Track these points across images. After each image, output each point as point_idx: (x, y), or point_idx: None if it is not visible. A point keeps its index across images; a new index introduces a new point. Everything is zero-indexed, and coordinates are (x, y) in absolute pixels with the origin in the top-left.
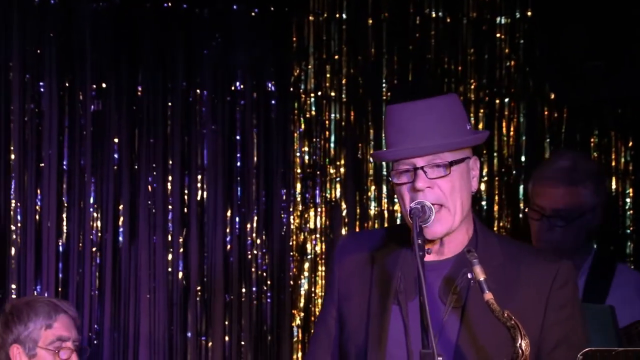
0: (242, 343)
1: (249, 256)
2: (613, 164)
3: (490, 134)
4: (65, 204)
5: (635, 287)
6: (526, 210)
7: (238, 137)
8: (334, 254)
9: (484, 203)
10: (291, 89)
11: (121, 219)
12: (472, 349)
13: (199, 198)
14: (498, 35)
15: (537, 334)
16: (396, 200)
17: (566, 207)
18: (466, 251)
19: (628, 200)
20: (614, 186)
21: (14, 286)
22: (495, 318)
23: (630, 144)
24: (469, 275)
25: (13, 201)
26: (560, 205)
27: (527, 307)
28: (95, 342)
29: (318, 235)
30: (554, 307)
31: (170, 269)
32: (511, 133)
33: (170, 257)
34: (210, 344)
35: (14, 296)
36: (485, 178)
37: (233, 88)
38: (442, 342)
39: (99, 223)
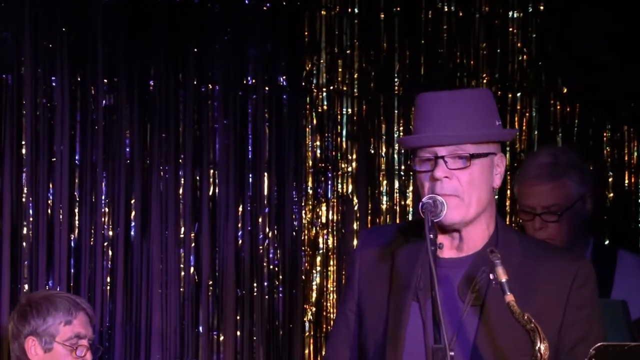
0: (254, 338)
1: (261, 251)
2: (626, 158)
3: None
4: (77, 199)
5: None
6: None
7: (250, 132)
8: (354, 249)
9: (496, 197)
10: (303, 84)
11: (133, 213)
12: (490, 347)
13: (210, 193)
14: (510, 29)
15: (556, 333)
16: (408, 194)
17: (555, 201)
18: (489, 251)
19: None
20: (626, 180)
21: (26, 281)
22: (516, 320)
23: None
24: (491, 276)
25: (25, 196)
26: (548, 202)
27: (547, 306)
28: (107, 337)
29: (330, 230)
30: (574, 306)
31: (182, 264)
32: (523, 127)
33: (182, 252)
34: (222, 338)
35: (25, 291)
36: None
37: (245, 82)
38: (460, 339)
39: (110, 218)
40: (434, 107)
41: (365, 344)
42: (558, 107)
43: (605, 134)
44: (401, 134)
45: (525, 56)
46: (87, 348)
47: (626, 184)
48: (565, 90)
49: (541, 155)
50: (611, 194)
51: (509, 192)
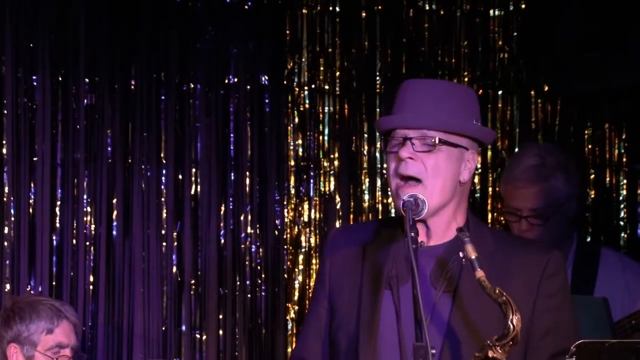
0: (237, 337)
1: (243, 249)
2: (607, 155)
3: (484, 126)
4: (59, 198)
5: (622, 270)
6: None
7: (232, 131)
8: (325, 247)
9: (477, 196)
10: (285, 82)
11: (115, 213)
12: (464, 330)
13: (192, 192)
14: (491, 27)
15: (528, 322)
16: (390, 192)
17: (542, 204)
18: (457, 229)
19: (623, 192)
20: (607, 178)
21: (7, 280)
22: (487, 295)
23: (624, 135)
24: (461, 254)
25: (6, 195)
26: (535, 204)
27: (518, 295)
28: (89, 336)
29: (312, 228)
30: (544, 295)
31: (164, 263)
32: (505, 126)
33: (164, 251)
34: (204, 337)
35: (7, 290)
36: (479, 171)
37: (227, 81)
38: (434, 326)
39: (92, 217)
40: (412, 92)
41: (337, 337)
42: (539, 104)
43: (586, 132)
44: None
45: (506, 54)
46: (69, 357)
47: (607, 182)
48: (546, 88)
49: (528, 157)
50: (592, 192)
51: (490, 190)
